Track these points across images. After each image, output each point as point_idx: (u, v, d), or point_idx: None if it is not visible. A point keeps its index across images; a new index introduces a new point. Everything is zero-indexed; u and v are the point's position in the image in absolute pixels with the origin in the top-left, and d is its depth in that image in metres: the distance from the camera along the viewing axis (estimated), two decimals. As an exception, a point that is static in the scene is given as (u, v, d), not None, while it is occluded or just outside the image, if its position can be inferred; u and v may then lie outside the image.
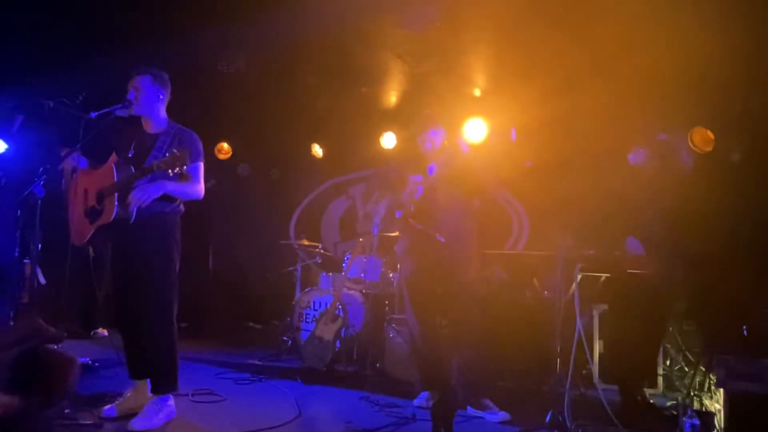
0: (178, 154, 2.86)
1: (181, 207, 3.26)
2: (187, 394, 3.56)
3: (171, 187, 3.07)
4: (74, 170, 3.22)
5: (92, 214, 3.08)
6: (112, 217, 2.95)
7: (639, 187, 3.58)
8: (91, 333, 5.51)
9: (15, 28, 4.53)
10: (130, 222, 2.98)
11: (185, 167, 2.90)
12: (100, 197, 3.05)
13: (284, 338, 5.33)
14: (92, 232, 3.05)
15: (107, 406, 3.07)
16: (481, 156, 3.74)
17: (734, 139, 4.68)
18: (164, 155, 3.01)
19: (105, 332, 5.50)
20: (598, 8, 3.73)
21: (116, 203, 2.94)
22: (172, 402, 3.11)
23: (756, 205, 4.12)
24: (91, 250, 5.00)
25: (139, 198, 2.94)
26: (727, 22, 3.58)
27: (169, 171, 2.87)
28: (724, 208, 4.29)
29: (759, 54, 3.97)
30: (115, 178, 2.98)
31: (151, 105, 3.17)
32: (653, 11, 3.71)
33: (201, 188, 3.21)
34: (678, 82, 4.33)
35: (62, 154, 3.25)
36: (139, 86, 3.13)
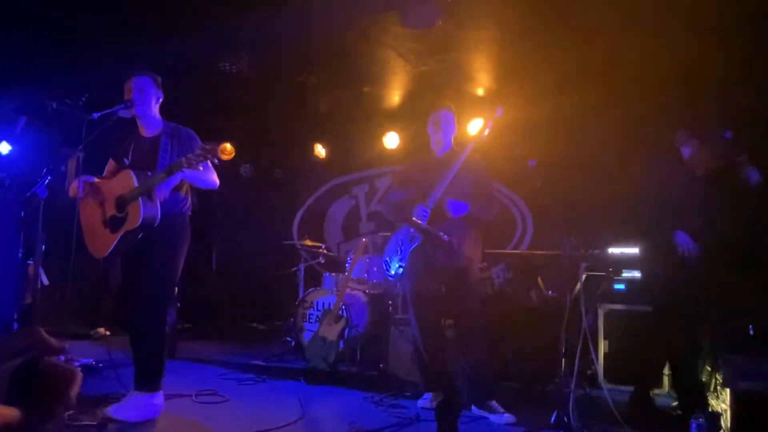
0: (209, 147, 2.86)
1: (189, 207, 3.27)
2: (191, 395, 3.57)
3: (189, 173, 3.05)
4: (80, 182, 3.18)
5: (114, 222, 3.04)
6: (140, 222, 2.93)
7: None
8: (91, 332, 5.51)
9: (17, 30, 4.54)
10: (155, 225, 2.98)
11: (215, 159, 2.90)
12: (122, 204, 3.02)
13: (288, 339, 5.33)
14: (117, 240, 3.01)
15: (110, 406, 3.07)
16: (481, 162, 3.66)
17: (742, 137, 4.65)
18: (173, 154, 3.05)
19: (108, 332, 5.50)
20: (603, 7, 3.71)
21: (142, 207, 2.93)
22: (158, 401, 3.08)
23: (763, 203, 4.09)
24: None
25: (161, 191, 2.95)
26: (732, 21, 3.56)
27: (200, 167, 2.90)
28: (729, 207, 4.26)
29: (765, 52, 3.95)
30: (136, 183, 2.97)
31: (150, 106, 3.20)
32: (659, 9, 3.70)
33: (216, 177, 3.21)
34: (684, 79, 4.31)
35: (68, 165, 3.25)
36: (143, 87, 3.15)
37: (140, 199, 2.94)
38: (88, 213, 3.19)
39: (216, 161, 2.92)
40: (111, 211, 3.07)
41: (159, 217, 2.99)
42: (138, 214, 2.93)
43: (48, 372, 0.53)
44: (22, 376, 0.50)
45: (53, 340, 0.54)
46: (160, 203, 2.99)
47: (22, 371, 0.50)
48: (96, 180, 3.20)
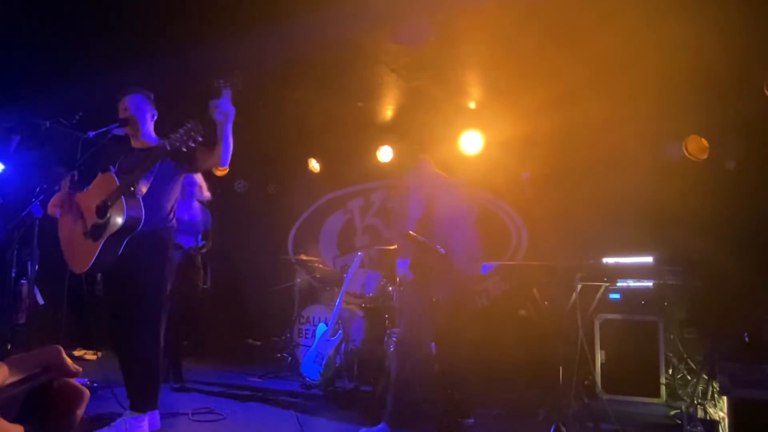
0: (191, 126, 2.76)
1: (174, 223, 3.21)
2: (187, 413, 3.53)
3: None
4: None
5: (95, 230, 2.93)
6: (123, 221, 2.79)
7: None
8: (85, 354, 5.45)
9: (10, 48, 4.56)
10: (139, 227, 2.86)
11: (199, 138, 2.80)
12: (103, 210, 2.92)
13: (284, 354, 5.30)
14: (99, 248, 2.86)
15: (103, 428, 3.02)
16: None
17: (729, 147, 4.72)
18: (163, 163, 2.96)
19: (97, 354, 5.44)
20: (593, 21, 3.77)
21: (125, 206, 2.82)
22: (145, 424, 3.01)
23: (753, 211, 4.14)
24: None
25: (145, 182, 2.87)
26: (720, 32, 3.63)
27: (183, 147, 2.77)
28: (721, 215, 4.30)
29: (752, 60, 4.02)
30: (117, 182, 2.88)
31: (146, 123, 3.20)
32: (648, 22, 3.76)
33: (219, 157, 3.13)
34: (672, 91, 4.37)
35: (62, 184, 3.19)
36: (138, 104, 3.15)
37: (122, 198, 2.83)
38: (68, 229, 3.08)
39: (199, 138, 2.81)
40: (92, 219, 2.95)
41: (143, 218, 2.86)
42: (122, 211, 2.80)
43: (59, 392, 0.53)
44: (35, 397, 0.51)
45: (71, 363, 0.55)
46: (146, 208, 2.89)
47: (36, 393, 0.51)
48: (75, 195, 3.11)
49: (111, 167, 3.04)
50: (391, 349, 3.60)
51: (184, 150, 2.87)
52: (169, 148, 2.83)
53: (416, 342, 3.42)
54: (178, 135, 2.81)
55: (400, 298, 4.03)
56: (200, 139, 2.85)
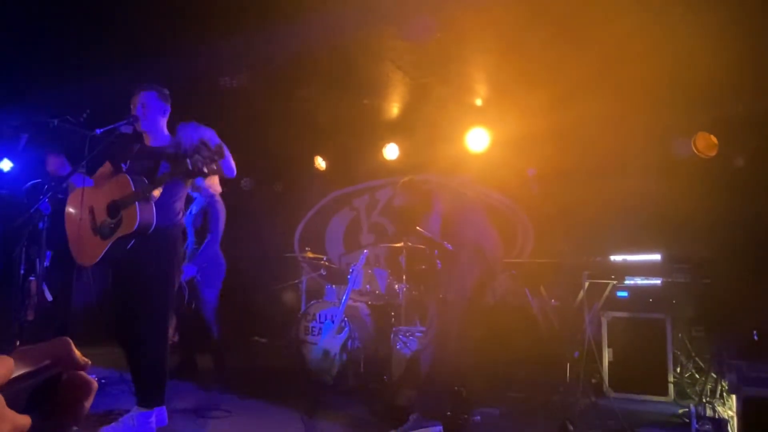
0: (215, 149, 2.79)
1: (182, 221, 3.24)
2: (194, 410, 3.55)
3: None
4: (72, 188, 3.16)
5: (105, 229, 2.97)
6: (136, 227, 2.85)
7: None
8: None
9: (18, 46, 4.58)
10: (149, 232, 2.91)
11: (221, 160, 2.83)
12: (114, 210, 2.95)
13: (290, 352, 5.30)
14: (107, 247, 2.93)
15: (105, 427, 3.03)
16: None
17: (738, 143, 4.68)
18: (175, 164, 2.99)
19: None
20: (600, 17, 3.75)
21: (139, 212, 2.86)
22: (153, 420, 3.02)
23: (762, 209, 4.11)
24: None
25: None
26: (728, 28, 3.60)
27: (205, 169, 2.82)
28: (730, 213, 4.27)
29: (761, 58, 3.98)
30: (134, 188, 2.91)
31: (156, 120, 3.19)
32: (655, 19, 3.73)
33: (232, 164, 3.11)
34: (681, 88, 4.34)
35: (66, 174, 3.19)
36: (146, 102, 3.14)
37: (137, 203, 2.87)
38: (75, 220, 3.11)
39: (221, 162, 2.86)
40: (102, 217, 2.99)
41: (154, 223, 2.92)
42: (134, 218, 2.85)
43: (67, 384, 0.53)
44: (43, 389, 0.51)
45: (79, 355, 0.54)
46: (156, 209, 2.93)
47: (44, 385, 0.51)
48: (89, 187, 3.13)
49: (123, 165, 3.07)
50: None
51: (205, 171, 2.90)
52: (191, 168, 2.86)
53: (444, 335, 3.42)
54: (201, 157, 2.82)
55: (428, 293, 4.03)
56: (221, 162, 2.90)
